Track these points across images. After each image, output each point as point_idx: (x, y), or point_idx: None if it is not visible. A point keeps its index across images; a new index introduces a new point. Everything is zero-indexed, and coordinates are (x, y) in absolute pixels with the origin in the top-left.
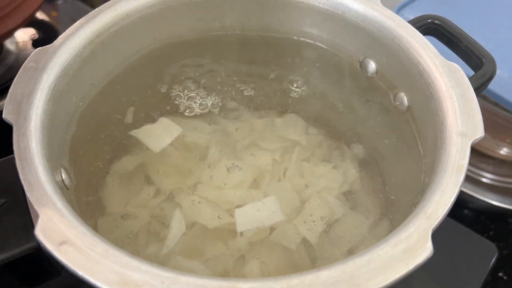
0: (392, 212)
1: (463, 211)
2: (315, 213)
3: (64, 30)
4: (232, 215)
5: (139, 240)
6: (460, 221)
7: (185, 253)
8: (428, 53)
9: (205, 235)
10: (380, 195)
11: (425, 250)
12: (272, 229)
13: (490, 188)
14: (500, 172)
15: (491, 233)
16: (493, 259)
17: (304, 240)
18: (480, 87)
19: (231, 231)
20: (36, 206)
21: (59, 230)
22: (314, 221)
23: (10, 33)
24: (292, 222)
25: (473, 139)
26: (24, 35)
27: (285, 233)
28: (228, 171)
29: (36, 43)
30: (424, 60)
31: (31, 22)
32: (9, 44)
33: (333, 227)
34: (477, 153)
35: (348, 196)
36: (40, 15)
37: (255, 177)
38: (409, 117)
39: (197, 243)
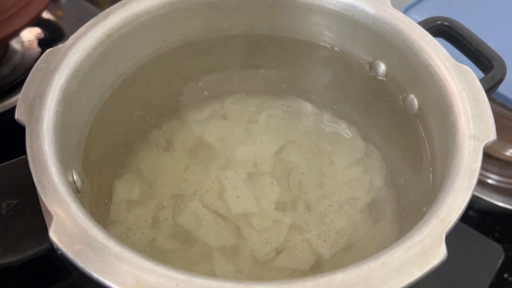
0: (403, 217)
1: (469, 212)
2: (333, 227)
3: (69, 29)
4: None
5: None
6: (465, 222)
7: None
8: (439, 55)
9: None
10: (393, 201)
11: (439, 254)
12: (278, 251)
13: (496, 189)
14: (506, 173)
15: (496, 234)
16: (500, 261)
17: (319, 258)
18: (490, 89)
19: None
20: (50, 208)
21: (73, 232)
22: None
23: (16, 33)
24: (305, 237)
25: (485, 142)
26: (30, 34)
27: (296, 253)
28: (239, 175)
29: (42, 43)
30: (435, 62)
31: (37, 21)
32: (14, 44)
33: (354, 244)
34: (483, 155)
35: (371, 207)
36: (45, 15)
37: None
38: (420, 119)
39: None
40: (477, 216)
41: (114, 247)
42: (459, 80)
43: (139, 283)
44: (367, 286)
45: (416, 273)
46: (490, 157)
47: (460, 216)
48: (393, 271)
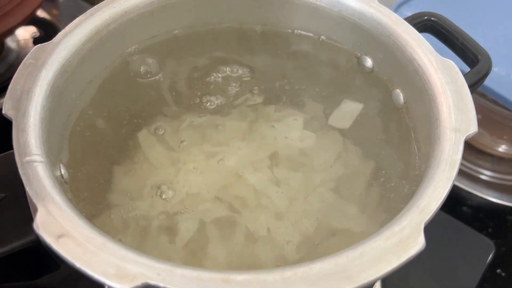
0: (385, 205)
1: (462, 208)
2: (311, 209)
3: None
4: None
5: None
6: (458, 218)
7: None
8: (423, 49)
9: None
10: (375, 189)
11: (417, 244)
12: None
13: (489, 185)
14: (499, 169)
15: (489, 230)
16: (490, 256)
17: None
18: (475, 83)
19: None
20: (35, 200)
21: (57, 224)
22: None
23: (11, 31)
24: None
25: (466, 135)
26: (25, 33)
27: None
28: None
29: (37, 41)
30: (419, 56)
31: (32, 20)
32: (10, 42)
33: (329, 222)
34: (476, 150)
35: (343, 190)
36: (41, 13)
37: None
38: (405, 113)
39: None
40: (470, 212)
41: (98, 238)
42: (442, 74)
43: (121, 273)
44: (346, 275)
45: (395, 263)
46: (482, 153)
47: (440, 206)
48: (371, 260)
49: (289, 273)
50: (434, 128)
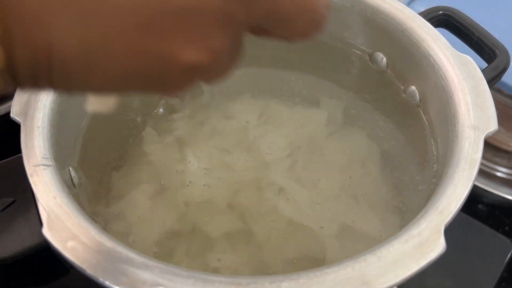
0: (404, 209)
1: (478, 206)
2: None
3: None
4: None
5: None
6: (474, 216)
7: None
8: (439, 45)
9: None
10: (391, 191)
11: (438, 246)
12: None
13: (505, 182)
14: None
15: (506, 228)
16: (509, 255)
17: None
18: (493, 79)
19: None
20: (43, 205)
21: (66, 228)
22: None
23: None
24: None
25: (486, 132)
26: None
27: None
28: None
29: None
30: (435, 52)
31: None
32: None
33: (347, 228)
34: (492, 147)
35: (360, 192)
36: None
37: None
38: (421, 110)
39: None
40: (486, 210)
41: (107, 242)
42: (459, 70)
43: (132, 280)
44: (363, 280)
45: (413, 267)
46: (498, 150)
47: (460, 208)
48: (389, 264)
49: (304, 279)
50: (452, 125)
